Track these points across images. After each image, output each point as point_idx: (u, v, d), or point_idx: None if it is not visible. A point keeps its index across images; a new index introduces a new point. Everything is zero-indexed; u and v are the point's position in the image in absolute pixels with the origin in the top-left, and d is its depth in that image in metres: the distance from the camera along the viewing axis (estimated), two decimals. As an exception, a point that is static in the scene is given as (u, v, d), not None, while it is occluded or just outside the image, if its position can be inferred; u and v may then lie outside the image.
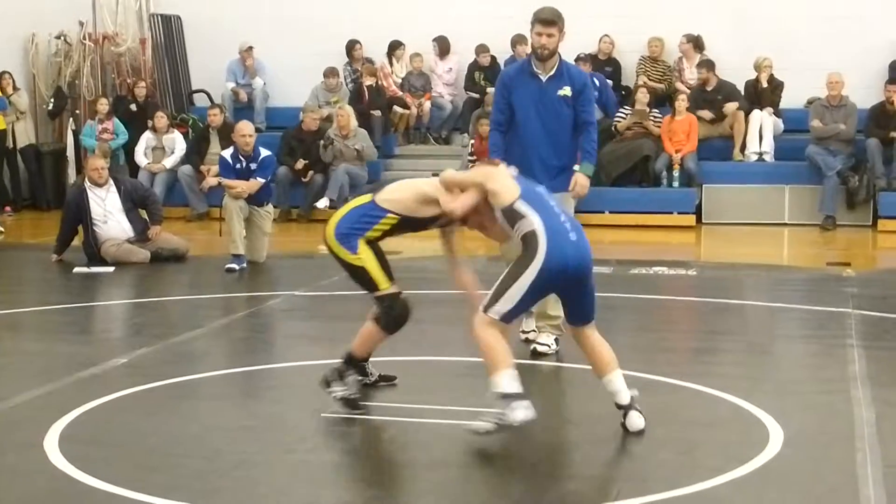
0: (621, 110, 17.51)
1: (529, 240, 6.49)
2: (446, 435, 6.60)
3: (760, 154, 17.37)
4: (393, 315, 7.21)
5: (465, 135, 18.27)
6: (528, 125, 8.56)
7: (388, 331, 7.26)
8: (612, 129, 17.24)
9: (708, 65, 17.67)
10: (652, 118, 17.37)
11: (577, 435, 6.79)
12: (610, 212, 16.82)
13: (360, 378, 7.33)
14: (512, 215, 6.61)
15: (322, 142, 17.40)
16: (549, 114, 8.53)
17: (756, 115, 17.34)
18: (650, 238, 15.96)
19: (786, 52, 17.66)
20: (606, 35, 18.46)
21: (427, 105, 18.90)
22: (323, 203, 17.17)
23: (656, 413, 6.89)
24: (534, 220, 6.52)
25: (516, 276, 6.47)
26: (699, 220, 17.05)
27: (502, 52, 18.62)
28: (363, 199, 7.31)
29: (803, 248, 15.30)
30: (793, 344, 9.11)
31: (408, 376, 7.97)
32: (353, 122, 17.58)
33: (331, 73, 18.89)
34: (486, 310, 6.52)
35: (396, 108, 18.74)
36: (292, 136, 17.74)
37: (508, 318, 6.53)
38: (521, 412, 6.32)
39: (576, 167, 8.72)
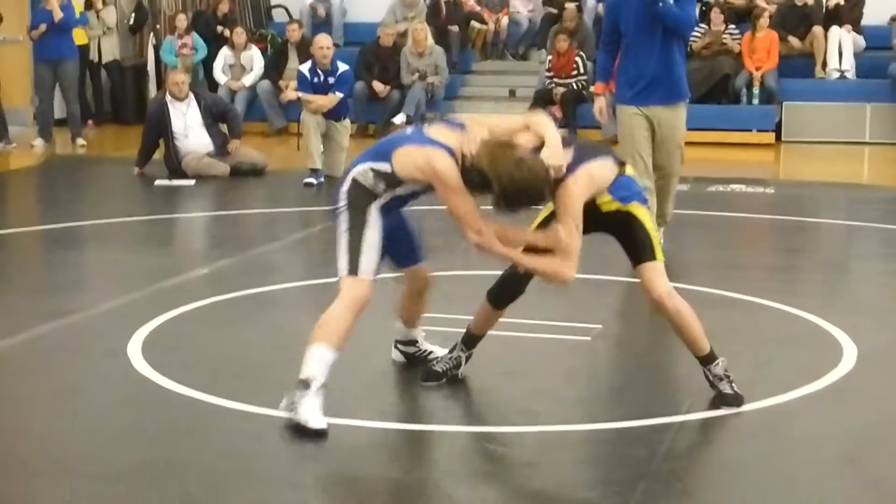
0: (697, 28, 17.33)
1: None
2: (521, 347, 6.66)
3: (842, 71, 17.15)
4: None
5: (543, 51, 18.17)
6: (635, 42, 8.66)
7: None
8: (688, 49, 17.07)
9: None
10: (730, 34, 17.17)
11: (646, 349, 6.81)
12: (689, 129, 16.65)
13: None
14: None
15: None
16: (656, 30, 8.58)
17: (835, 31, 17.09)
18: (729, 156, 15.84)
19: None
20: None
21: (504, 20, 18.81)
22: (399, 119, 17.19)
23: (730, 330, 6.91)
24: None
25: None
26: (778, 137, 16.91)
27: (581, -33, 18.53)
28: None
29: (884, 166, 15.12)
30: (869, 262, 9.05)
31: (482, 290, 8.04)
32: (430, 39, 17.54)
33: (409, -12, 18.86)
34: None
35: (474, 24, 18.66)
36: (370, 52, 17.74)
37: None
38: None
39: None
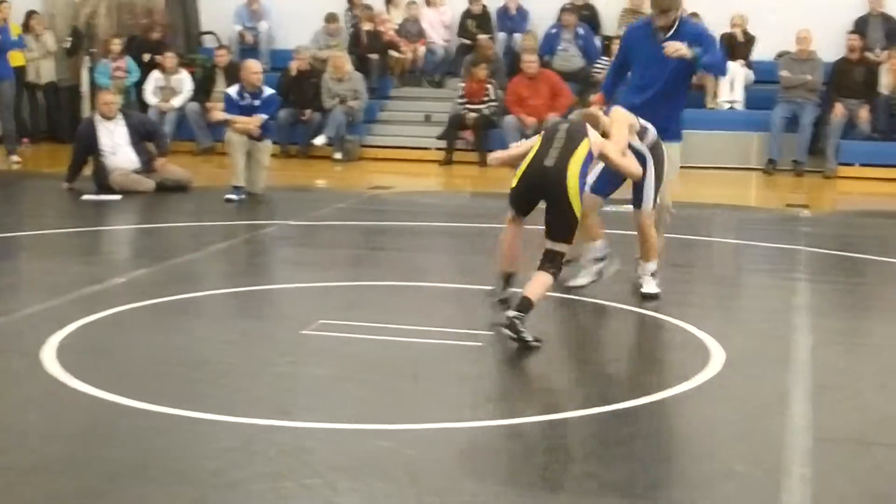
0: (600, 60, 17.58)
1: (657, 145, 8.02)
2: (420, 352, 6.72)
3: (731, 102, 17.42)
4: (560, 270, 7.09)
5: (457, 79, 18.29)
6: (643, 82, 8.44)
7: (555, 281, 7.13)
8: (592, 79, 17.31)
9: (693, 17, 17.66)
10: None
11: (535, 354, 6.90)
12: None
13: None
14: (640, 130, 7.92)
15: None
16: (666, 71, 8.34)
17: (729, 66, 17.33)
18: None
19: (757, 8, 17.67)
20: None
21: (421, 49, 18.90)
22: (320, 140, 17.24)
23: (615, 336, 7.05)
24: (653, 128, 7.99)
25: (660, 175, 8.07)
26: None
27: (495, 1, 18.68)
28: (585, 146, 7.10)
29: (768, 191, 15.37)
30: (745, 277, 9.23)
31: (388, 300, 8.13)
32: (349, 66, 17.65)
33: (331, 18, 18.88)
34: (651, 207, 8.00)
35: (392, 53, 18.74)
36: (288, 77, 17.78)
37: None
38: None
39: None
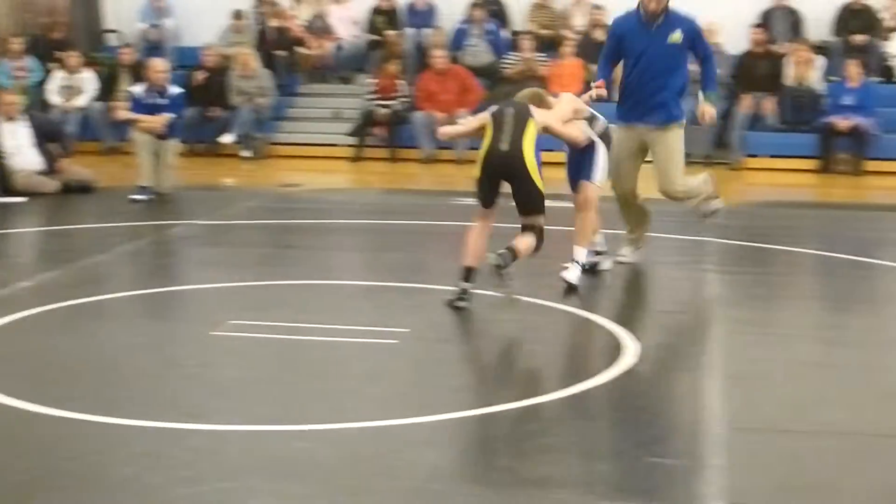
0: (508, 55, 17.63)
1: (606, 131, 8.38)
2: (334, 351, 6.68)
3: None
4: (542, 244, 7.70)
5: (366, 75, 18.22)
6: (640, 70, 8.68)
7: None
8: (501, 74, 17.37)
9: (598, 11, 17.79)
10: (538, 62, 17.45)
11: (451, 351, 6.89)
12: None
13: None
14: (591, 117, 8.33)
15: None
16: (658, 58, 8.64)
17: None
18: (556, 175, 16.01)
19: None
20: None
21: (329, 46, 18.81)
22: (227, 138, 17.09)
23: (529, 331, 7.05)
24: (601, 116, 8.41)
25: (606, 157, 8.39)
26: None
27: (402, -4, 18.71)
28: (533, 127, 7.63)
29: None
30: (657, 269, 9.26)
31: (299, 299, 8.08)
32: (255, 63, 17.53)
33: (238, 15, 18.72)
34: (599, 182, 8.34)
35: (300, 49, 18.63)
36: (195, 75, 17.60)
37: None
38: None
39: (700, 96, 8.98)
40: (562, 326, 7.41)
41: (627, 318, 7.47)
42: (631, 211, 9.25)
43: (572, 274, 8.09)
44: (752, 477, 4.84)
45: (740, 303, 8.15)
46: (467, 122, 8.06)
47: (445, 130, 8.27)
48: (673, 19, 8.70)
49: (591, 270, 8.59)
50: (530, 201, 7.55)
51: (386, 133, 17.17)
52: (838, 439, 5.30)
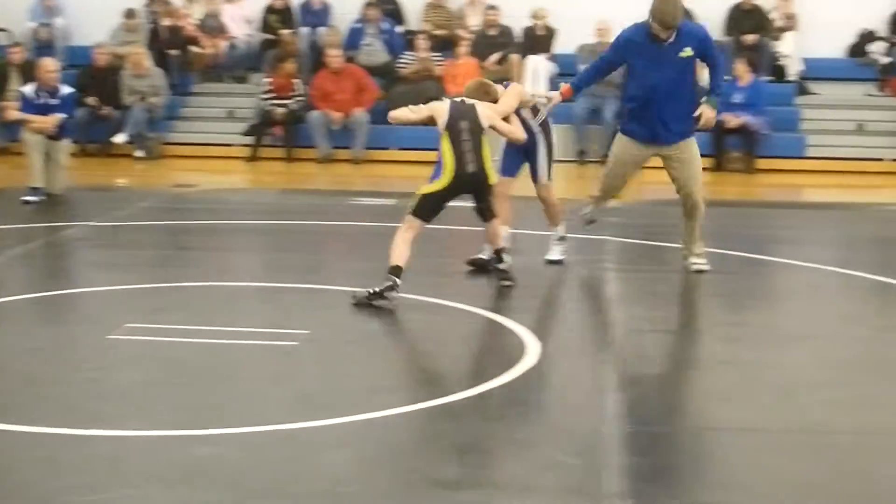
0: (404, 55, 17.62)
1: (547, 122, 8.91)
2: (234, 353, 6.61)
3: (534, 96, 17.61)
4: None
5: (260, 74, 18.08)
6: (652, 86, 8.57)
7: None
8: (397, 74, 17.36)
9: (492, 12, 17.86)
10: (434, 61, 17.47)
11: (354, 352, 6.86)
12: (398, 148, 16.89)
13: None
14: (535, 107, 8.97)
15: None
16: (670, 74, 8.53)
17: (532, 59, 17.58)
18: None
19: (558, 1, 17.93)
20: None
21: (223, 45, 18.63)
22: (120, 138, 16.85)
23: (431, 331, 7.05)
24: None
25: (550, 148, 9.00)
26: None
27: (297, -5, 18.61)
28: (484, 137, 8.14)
29: (571, 182, 15.60)
30: (557, 268, 9.31)
31: (197, 301, 7.99)
32: (148, 62, 17.31)
33: (130, 13, 18.47)
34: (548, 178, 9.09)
35: (193, 48, 18.43)
36: (87, 73, 17.34)
37: None
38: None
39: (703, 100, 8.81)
40: (464, 327, 7.41)
41: (530, 317, 7.49)
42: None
43: (554, 253, 9.20)
44: (655, 475, 4.88)
45: (640, 301, 8.22)
46: (418, 110, 8.31)
47: (395, 114, 8.46)
48: (684, 34, 8.54)
49: (494, 269, 8.61)
50: (487, 192, 8.19)
51: (282, 133, 17.06)
52: (741, 436, 5.36)
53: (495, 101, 8.37)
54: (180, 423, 5.41)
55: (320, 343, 6.88)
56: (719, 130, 16.33)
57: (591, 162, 16.84)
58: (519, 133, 8.51)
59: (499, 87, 8.53)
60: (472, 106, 8.17)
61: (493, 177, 8.16)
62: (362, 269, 8.63)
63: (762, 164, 16.41)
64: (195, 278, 8.72)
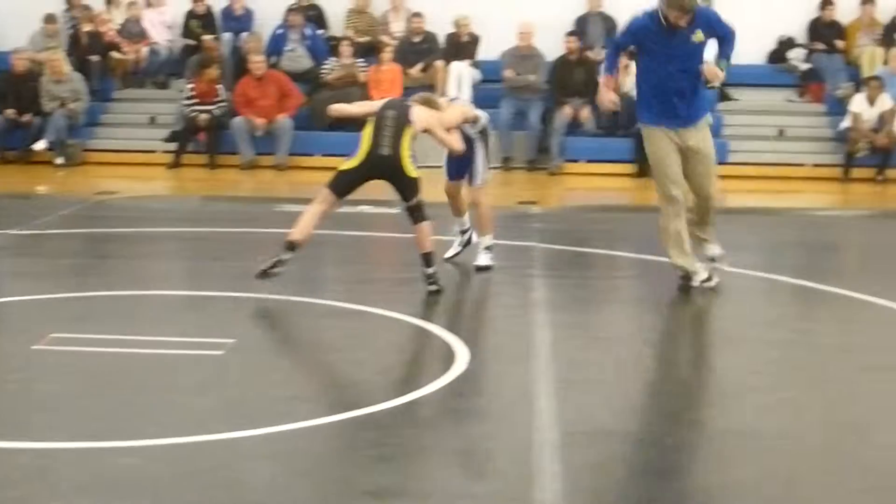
0: (328, 60, 17.59)
1: (486, 130, 9.32)
2: (160, 363, 6.56)
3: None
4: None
5: (182, 80, 17.96)
6: (664, 70, 8.46)
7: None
8: (321, 79, 17.33)
9: (417, 19, 17.87)
10: (358, 67, 17.47)
11: (281, 361, 6.83)
12: (322, 154, 16.83)
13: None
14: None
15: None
16: (684, 59, 8.42)
17: (455, 65, 17.63)
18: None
19: (481, 8, 18.00)
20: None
21: (144, 50, 18.48)
22: (40, 145, 16.64)
23: (356, 339, 7.04)
24: (485, 115, 9.34)
25: (486, 156, 9.34)
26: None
27: (218, 1, 18.46)
28: (410, 132, 8.40)
29: (496, 188, 15.64)
30: (483, 275, 9.34)
31: (122, 310, 7.91)
32: (67, 67, 17.13)
33: (50, 19, 18.25)
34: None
35: (114, 54, 18.27)
36: (4, 80, 17.12)
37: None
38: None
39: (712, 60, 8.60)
40: (392, 334, 7.42)
41: (457, 324, 7.52)
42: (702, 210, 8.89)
43: (483, 259, 9.27)
44: (587, 481, 4.91)
45: (566, 307, 8.28)
46: (360, 106, 9.02)
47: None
48: (695, 19, 8.39)
49: (467, 244, 9.54)
50: (409, 189, 8.41)
51: (205, 139, 16.95)
52: (672, 438, 5.42)
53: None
54: (107, 434, 5.35)
55: (246, 352, 6.85)
56: (640, 137, 16.47)
57: (516, 168, 16.92)
58: (456, 144, 8.80)
59: (442, 101, 9.09)
60: (408, 106, 8.59)
61: (411, 169, 8.35)
62: (288, 275, 8.60)
63: (685, 169, 16.55)
64: (119, 287, 8.64)
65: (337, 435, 5.48)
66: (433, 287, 8.33)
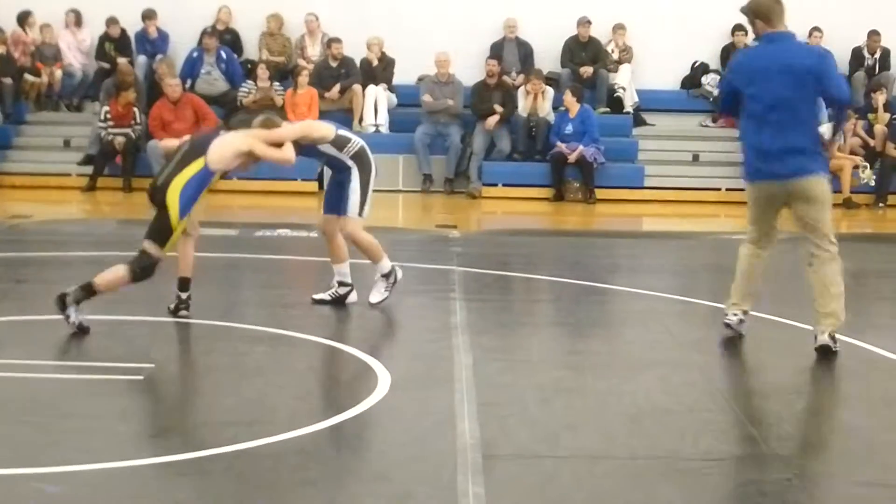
0: (245, 84, 17.55)
1: (361, 154, 8.47)
2: (77, 389, 6.49)
3: (377, 126, 17.72)
4: (142, 269, 7.84)
5: (97, 102, 17.81)
6: (774, 116, 7.62)
7: (132, 279, 7.87)
8: (238, 103, 17.28)
9: (334, 42, 17.89)
10: (275, 90, 17.45)
11: (201, 385, 6.78)
12: (238, 177, 16.72)
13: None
14: (340, 141, 8.44)
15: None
16: (784, 87, 7.55)
17: (371, 90, 17.66)
18: (275, 203, 16.02)
19: (395, 31, 18.06)
20: (225, 6, 18.51)
21: (58, 73, 18.31)
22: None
23: (275, 363, 7.00)
24: (359, 140, 8.58)
25: (366, 184, 8.49)
26: (321, 186, 17.22)
27: (132, 24, 18.35)
28: (198, 164, 7.83)
29: (415, 212, 15.70)
30: (403, 298, 9.35)
31: (37, 335, 7.81)
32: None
33: (-40, 40, 18.05)
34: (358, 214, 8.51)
35: (27, 77, 18.07)
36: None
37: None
38: (400, 273, 8.86)
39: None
40: (313, 358, 7.40)
41: (378, 348, 7.52)
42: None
43: (376, 292, 8.84)
44: (509, 502, 4.93)
45: (487, 330, 8.30)
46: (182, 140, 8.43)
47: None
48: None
49: (339, 301, 8.71)
50: (156, 230, 7.86)
51: (121, 162, 16.82)
52: (592, 463, 5.45)
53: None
54: (29, 460, 5.27)
55: (166, 377, 6.79)
56: (558, 161, 16.63)
57: (434, 192, 16.97)
58: (280, 154, 8.15)
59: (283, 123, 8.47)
60: (215, 136, 8.10)
61: (172, 203, 7.75)
62: (205, 299, 8.56)
63: (603, 194, 16.74)
64: (35, 312, 8.50)
65: (259, 460, 5.44)
66: (59, 309, 7.71)
